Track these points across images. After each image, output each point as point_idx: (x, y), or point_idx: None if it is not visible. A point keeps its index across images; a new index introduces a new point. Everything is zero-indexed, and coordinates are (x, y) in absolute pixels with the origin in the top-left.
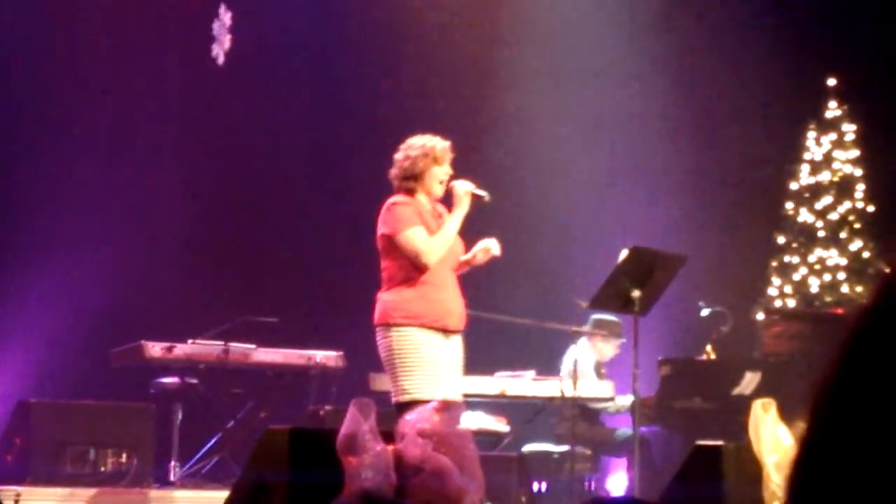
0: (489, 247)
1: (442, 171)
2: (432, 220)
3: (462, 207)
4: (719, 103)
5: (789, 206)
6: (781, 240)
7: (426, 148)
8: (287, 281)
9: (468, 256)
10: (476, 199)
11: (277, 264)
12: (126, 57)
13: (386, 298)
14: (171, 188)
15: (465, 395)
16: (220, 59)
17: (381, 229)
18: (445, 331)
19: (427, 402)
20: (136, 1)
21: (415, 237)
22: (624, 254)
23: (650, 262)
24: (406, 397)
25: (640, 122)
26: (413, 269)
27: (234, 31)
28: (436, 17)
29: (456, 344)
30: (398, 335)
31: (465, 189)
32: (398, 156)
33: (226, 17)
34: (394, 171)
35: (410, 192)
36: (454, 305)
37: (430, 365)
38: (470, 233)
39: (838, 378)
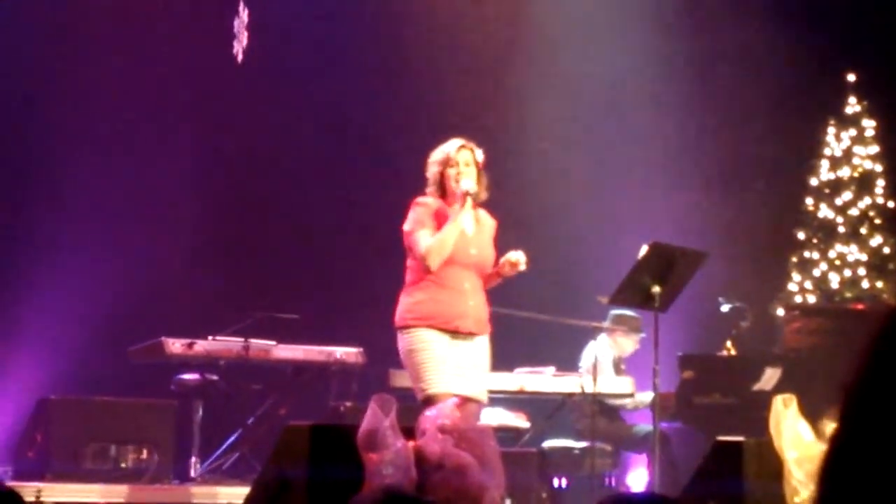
0: (517, 260)
1: (454, 173)
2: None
3: (457, 208)
4: (739, 99)
5: (809, 201)
6: (801, 235)
7: (437, 153)
8: (307, 277)
9: (498, 268)
10: (468, 196)
11: (298, 260)
12: (141, 55)
13: (402, 301)
14: (192, 184)
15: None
16: (240, 58)
17: (404, 227)
18: (457, 332)
19: (448, 395)
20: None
21: (419, 238)
22: (644, 249)
23: (670, 258)
24: (428, 392)
25: (660, 117)
26: (425, 270)
27: (252, 30)
28: (450, 18)
29: (473, 346)
30: (410, 337)
31: (462, 189)
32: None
33: (244, 14)
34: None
35: (436, 196)
36: (468, 308)
37: (442, 363)
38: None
39: (868, 376)
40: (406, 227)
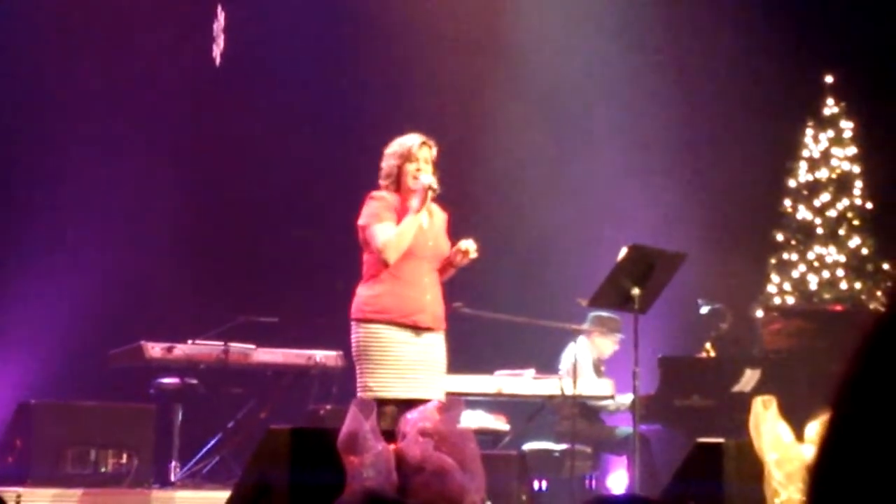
0: (467, 248)
1: (414, 168)
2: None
3: (417, 202)
4: (717, 101)
5: (787, 203)
6: (780, 237)
7: (397, 146)
8: (286, 281)
9: (451, 257)
10: (427, 191)
11: (277, 264)
12: (127, 57)
13: (360, 293)
14: (170, 188)
15: (465, 394)
16: (218, 60)
17: (359, 221)
18: (416, 328)
19: (388, 400)
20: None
21: (376, 232)
22: (623, 251)
23: (650, 260)
24: (368, 395)
25: (637, 120)
26: (382, 264)
27: (230, 32)
28: (434, 21)
29: (430, 342)
30: (366, 331)
31: (421, 184)
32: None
33: (221, 18)
34: (380, 173)
35: (391, 190)
36: (427, 303)
37: (396, 363)
38: (466, 233)
39: (856, 381)
40: (361, 221)
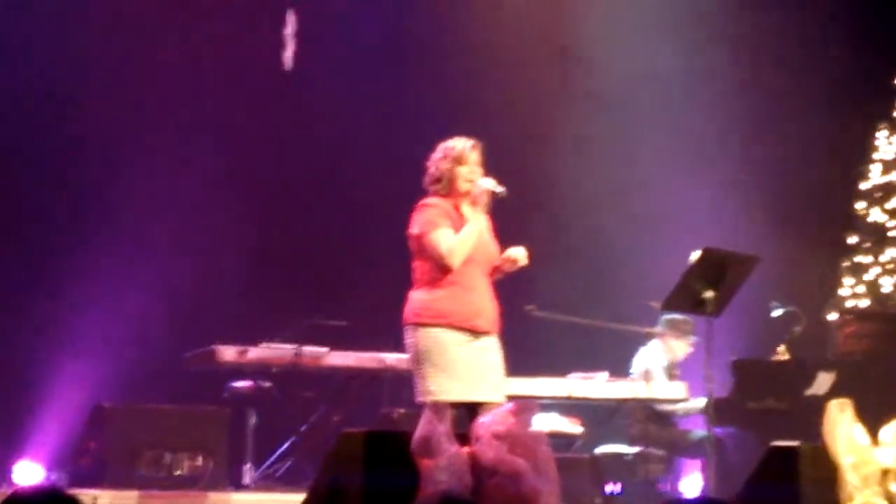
0: (516, 257)
1: (467, 171)
2: (462, 222)
3: (481, 206)
4: (790, 104)
5: (860, 205)
6: (853, 240)
7: (447, 150)
8: (359, 284)
9: (500, 264)
10: (494, 195)
11: (349, 267)
12: (191, 62)
13: (415, 297)
14: (245, 192)
15: (537, 397)
16: (288, 65)
17: (411, 229)
18: (475, 331)
19: (450, 403)
20: (204, 8)
21: (438, 239)
22: (696, 255)
23: (722, 263)
24: (430, 398)
25: (711, 123)
26: (440, 269)
27: (300, 37)
28: (496, 33)
29: (488, 345)
30: (425, 335)
31: (482, 187)
32: (428, 162)
33: (292, 22)
34: (425, 178)
35: (441, 195)
36: (484, 306)
37: (456, 367)
38: (538, 237)
39: None
40: (416, 229)
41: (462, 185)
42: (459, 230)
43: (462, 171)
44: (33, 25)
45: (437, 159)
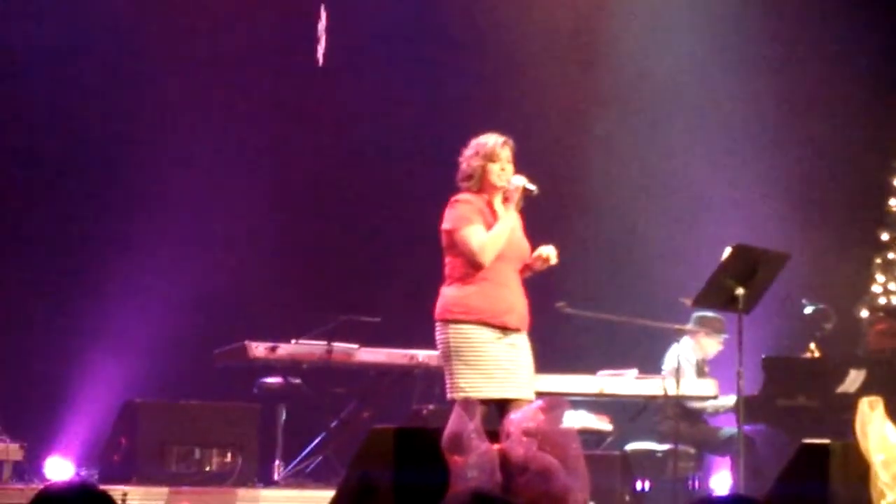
0: (548, 255)
1: (498, 168)
2: (494, 219)
3: (513, 203)
4: (822, 99)
5: (893, 202)
6: (885, 236)
7: (478, 147)
8: (389, 280)
9: (531, 262)
10: (526, 193)
11: (380, 263)
12: (224, 60)
13: (446, 293)
14: (275, 189)
15: (567, 394)
16: (321, 61)
17: (443, 225)
18: (505, 328)
19: (481, 400)
20: (234, 4)
21: (470, 235)
22: (727, 251)
23: (753, 260)
24: (461, 395)
25: (742, 119)
26: (471, 266)
27: (330, 33)
28: (529, 30)
29: (518, 342)
30: (455, 331)
31: (514, 185)
32: (460, 158)
33: (324, 17)
34: (458, 174)
35: (473, 191)
36: (515, 303)
37: (487, 363)
38: (570, 234)
39: None
40: (448, 224)
41: (494, 181)
42: (491, 227)
43: (493, 167)
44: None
45: (469, 156)
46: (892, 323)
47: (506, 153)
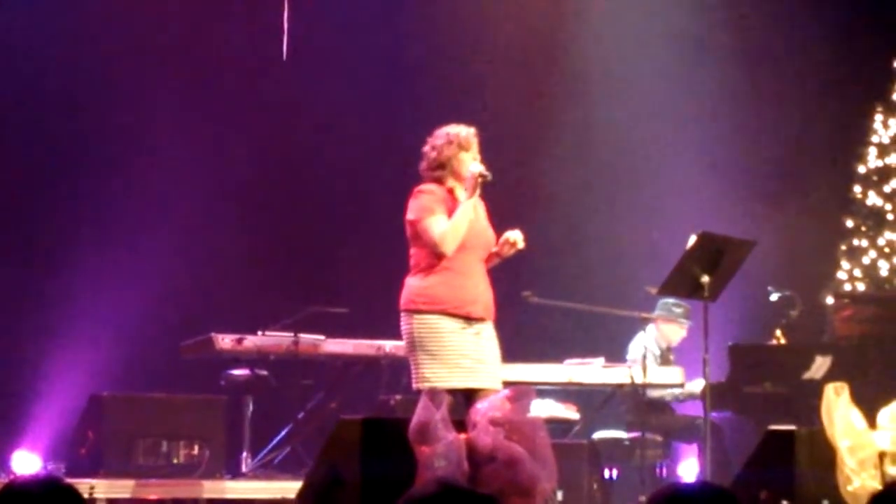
0: (515, 239)
1: (470, 158)
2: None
3: (470, 192)
4: (785, 87)
5: (857, 189)
6: (850, 223)
7: (450, 136)
8: (356, 271)
9: (495, 249)
10: (483, 179)
11: (346, 254)
12: (189, 52)
13: (411, 284)
14: (241, 180)
15: (534, 383)
16: (286, 54)
17: (408, 216)
18: (469, 318)
19: (447, 390)
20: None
21: (432, 225)
22: (692, 239)
23: (719, 248)
24: (426, 385)
25: (707, 106)
26: (435, 256)
27: (296, 23)
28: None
29: (483, 332)
30: (419, 322)
31: (471, 171)
32: (425, 147)
33: (287, 11)
34: (422, 163)
35: (439, 182)
36: (480, 293)
37: (452, 354)
38: (535, 224)
39: None
40: (412, 215)
41: (463, 172)
42: (451, 216)
43: (466, 157)
44: (34, 23)
45: (440, 145)
46: (857, 309)
47: (476, 143)
